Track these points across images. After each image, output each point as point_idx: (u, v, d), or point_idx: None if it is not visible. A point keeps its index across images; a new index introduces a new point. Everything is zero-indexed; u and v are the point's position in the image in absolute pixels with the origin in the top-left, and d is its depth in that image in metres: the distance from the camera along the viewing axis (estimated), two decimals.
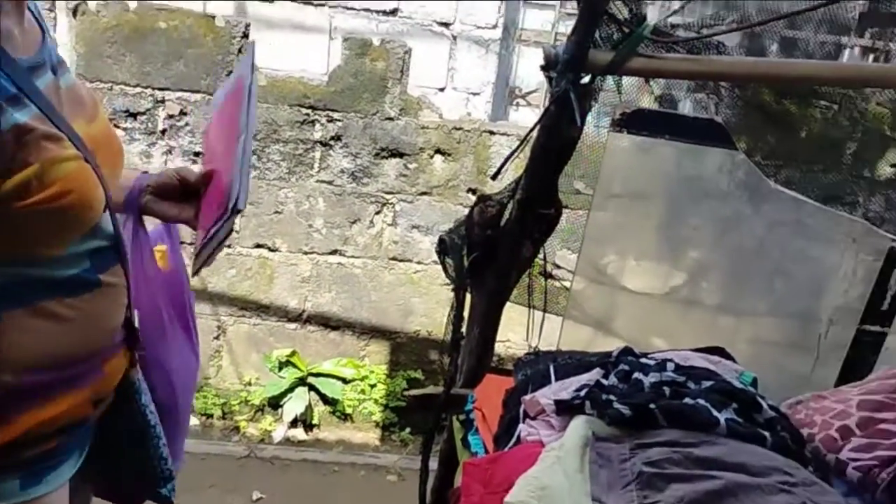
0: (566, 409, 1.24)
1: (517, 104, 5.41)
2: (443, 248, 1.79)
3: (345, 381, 3.93)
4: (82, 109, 1.13)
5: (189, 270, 1.47)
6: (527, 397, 1.36)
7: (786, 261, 1.70)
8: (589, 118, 1.68)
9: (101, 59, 3.28)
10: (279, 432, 3.87)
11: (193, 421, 3.70)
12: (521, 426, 1.33)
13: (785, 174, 3.31)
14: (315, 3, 4.62)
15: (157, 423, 1.40)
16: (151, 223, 1.40)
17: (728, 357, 1.44)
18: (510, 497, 1.09)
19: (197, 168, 1.41)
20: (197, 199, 1.36)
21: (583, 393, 1.23)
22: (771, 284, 1.75)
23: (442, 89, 4.87)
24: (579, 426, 1.17)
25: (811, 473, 1.13)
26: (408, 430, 3.93)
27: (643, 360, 1.32)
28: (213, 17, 3.39)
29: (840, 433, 1.28)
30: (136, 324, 1.30)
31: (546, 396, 1.32)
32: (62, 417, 1.15)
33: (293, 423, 3.89)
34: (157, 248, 1.48)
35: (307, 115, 3.67)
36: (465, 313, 1.78)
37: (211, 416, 3.81)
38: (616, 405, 1.16)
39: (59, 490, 1.21)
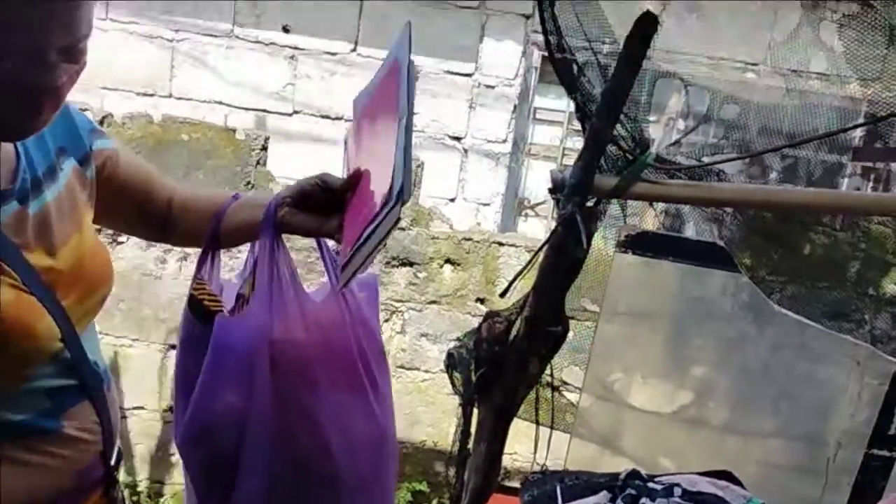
0: None
1: (526, 215, 5.53)
2: (451, 362, 1.80)
3: None
4: (50, 236, 1.09)
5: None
6: None
7: (791, 383, 1.71)
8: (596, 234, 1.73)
9: None
10: None
11: None
12: None
13: (790, 291, 3.34)
14: (332, 117, 4.81)
15: None
16: None
17: (736, 481, 1.43)
18: None
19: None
20: (341, 210, 1.21)
21: None
22: (777, 406, 1.75)
23: (453, 199, 5.00)
24: None
25: None
26: None
27: (650, 484, 1.32)
28: (234, 131, 3.53)
29: None
30: (113, 461, 1.19)
31: None
32: None
33: None
34: None
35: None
36: (472, 429, 1.78)
37: None
38: None
39: None
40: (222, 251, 1.40)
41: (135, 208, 1.28)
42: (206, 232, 1.33)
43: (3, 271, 0.99)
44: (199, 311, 1.32)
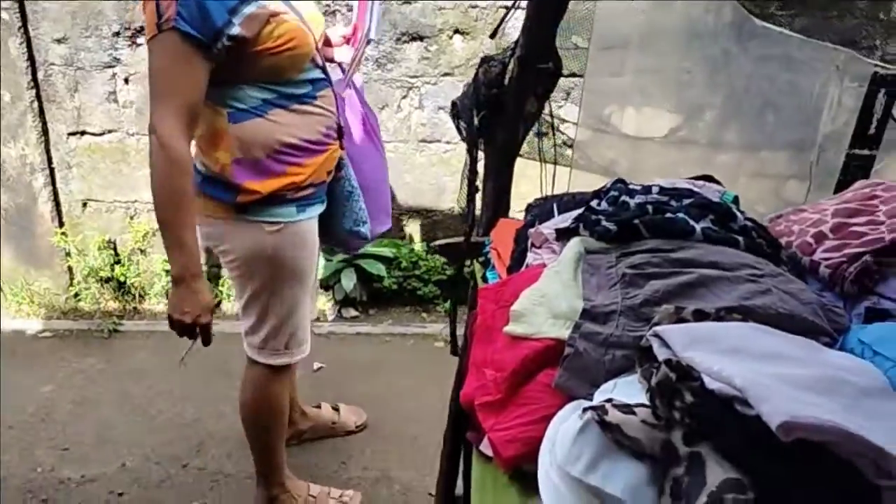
0: (565, 235, 1.40)
1: None
2: (455, 111, 1.93)
3: (389, 260, 4.15)
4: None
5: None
6: (532, 230, 1.52)
7: (775, 94, 1.80)
8: None
9: None
10: (332, 310, 4.14)
11: None
12: (528, 255, 1.50)
13: (800, 23, 3.33)
14: None
15: (357, 189, 2.21)
16: None
17: (715, 182, 1.57)
18: (516, 306, 1.26)
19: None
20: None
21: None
22: (762, 118, 1.85)
23: None
24: (573, 245, 1.33)
25: (780, 269, 1.28)
26: (450, 302, 4.16)
27: (631, 186, 1.47)
28: None
29: (815, 238, 1.41)
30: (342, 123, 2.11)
31: (549, 227, 1.49)
32: (312, 175, 2.01)
33: (344, 302, 4.16)
34: None
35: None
36: (480, 169, 1.93)
37: None
38: (604, 223, 1.32)
39: (312, 221, 2.09)
40: None
41: None
42: None
43: (295, 12, 1.88)
44: None
